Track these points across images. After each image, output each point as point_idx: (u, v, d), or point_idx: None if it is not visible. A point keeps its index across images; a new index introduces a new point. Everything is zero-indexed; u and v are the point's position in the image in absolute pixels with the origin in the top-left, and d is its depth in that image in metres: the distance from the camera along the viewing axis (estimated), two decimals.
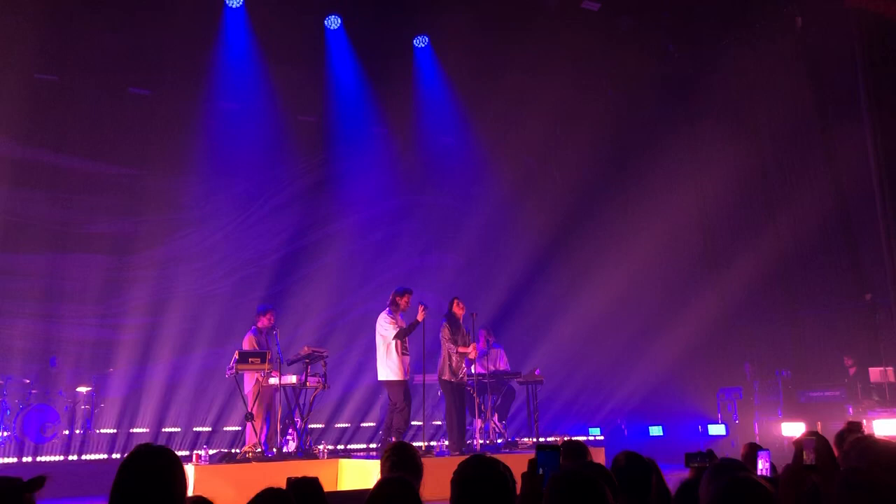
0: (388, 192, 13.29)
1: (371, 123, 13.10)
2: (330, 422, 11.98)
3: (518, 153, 13.67)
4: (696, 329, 12.41)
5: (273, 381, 8.25)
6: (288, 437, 8.36)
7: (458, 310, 9.09)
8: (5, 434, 9.24)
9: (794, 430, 10.17)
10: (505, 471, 2.65)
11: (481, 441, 9.23)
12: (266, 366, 8.07)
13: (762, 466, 3.55)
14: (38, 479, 2.30)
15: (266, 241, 12.41)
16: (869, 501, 2.27)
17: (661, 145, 13.10)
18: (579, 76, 12.68)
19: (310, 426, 9.15)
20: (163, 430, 10.83)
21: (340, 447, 11.18)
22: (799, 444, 2.91)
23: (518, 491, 2.68)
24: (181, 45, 11.05)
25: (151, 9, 10.66)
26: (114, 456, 9.77)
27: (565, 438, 8.29)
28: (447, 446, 8.83)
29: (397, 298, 8.77)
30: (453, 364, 8.90)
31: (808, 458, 2.77)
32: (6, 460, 8.78)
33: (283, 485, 2.97)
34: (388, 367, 8.55)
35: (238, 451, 8.49)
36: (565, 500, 2.29)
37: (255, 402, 8.34)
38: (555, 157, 13.62)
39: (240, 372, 8.15)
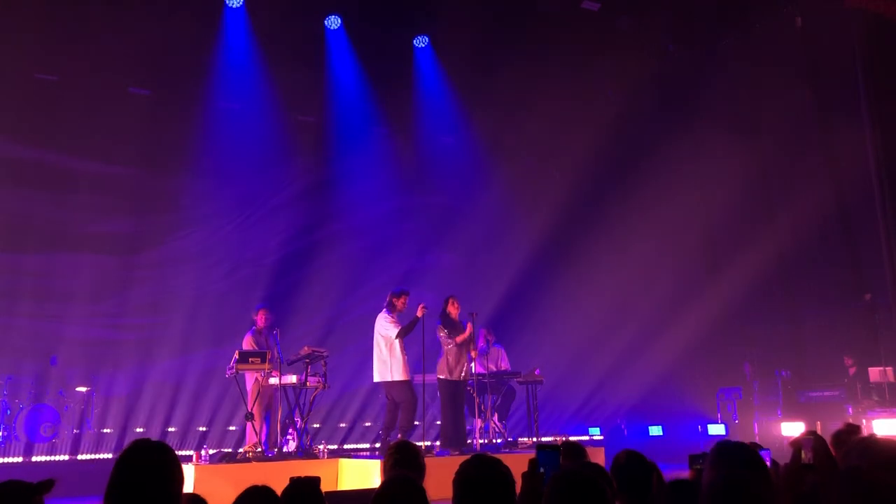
0: (388, 193, 13.29)
1: (371, 123, 13.10)
2: (330, 421, 11.98)
3: (518, 153, 13.67)
4: (695, 329, 12.41)
5: (273, 380, 8.25)
6: (288, 437, 8.37)
7: (453, 309, 9.08)
8: (5, 434, 9.24)
9: (793, 429, 10.18)
10: (506, 471, 2.65)
11: (481, 441, 9.23)
12: (266, 365, 8.08)
13: None
14: (46, 483, 2.33)
15: (266, 241, 12.41)
16: (870, 501, 2.27)
17: (661, 145, 13.10)
18: (579, 76, 12.67)
19: (310, 426, 9.15)
20: (162, 429, 10.83)
21: (339, 447, 11.19)
22: (797, 444, 2.91)
23: (517, 490, 2.69)
24: (181, 45, 11.04)
25: (151, 9, 10.65)
26: (114, 456, 9.77)
27: (562, 439, 8.30)
28: (440, 446, 8.84)
29: (394, 300, 8.76)
30: (451, 361, 8.89)
31: (806, 457, 2.78)
32: (6, 460, 8.78)
33: (284, 484, 2.98)
34: (393, 366, 8.54)
35: (238, 450, 8.50)
36: (565, 499, 2.30)
37: (255, 401, 8.34)
38: (554, 157, 13.62)
39: (240, 372, 8.16)
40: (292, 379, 8.26)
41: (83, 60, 10.79)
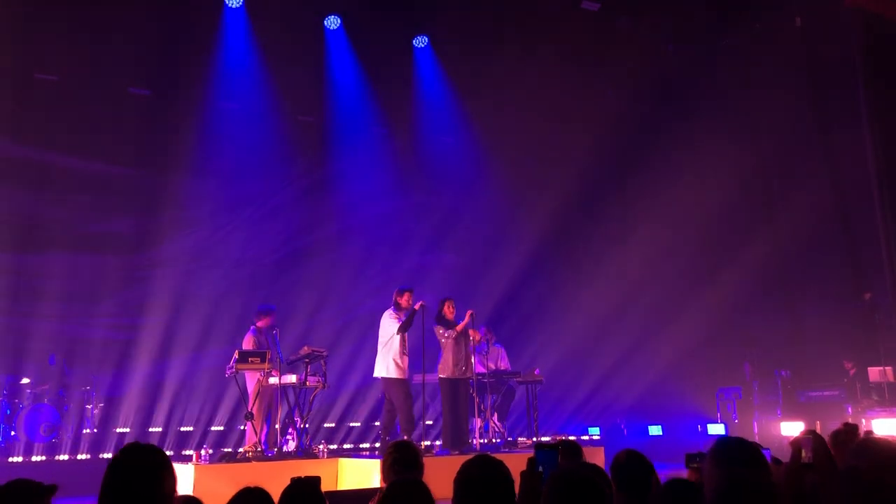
0: (388, 192, 13.28)
1: (371, 123, 13.09)
2: (330, 421, 11.98)
3: (517, 153, 13.67)
4: (695, 328, 12.41)
5: (273, 380, 8.26)
6: (288, 437, 8.37)
7: (449, 311, 9.09)
8: (4, 434, 9.24)
9: (793, 429, 10.18)
10: (507, 471, 2.66)
11: (480, 441, 9.23)
12: (266, 365, 8.08)
13: None
14: (52, 487, 2.35)
15: (266, 241, 12.40)
16: (870, 501, 2.28)
17: (661, 145, 13.11)
18: (579, 76, 12.67)
19: (309, 425, 9.16)
20: (162, 428, 10.83)
21: (339, 446, 11.19)
22: (797, 443, 2.92)
23: (517, 489, 2.69)
24: (181, 45, 11.04)
25: (151, 8, 10.65)
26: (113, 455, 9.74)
27: (559, 438, 8.30)
28: (440, 445, 8.84)
29: (398, 297, 8.83)
30: (451, 358, 8.88)
31: (805, 456, 2.79)
32: (6, 460, 8.78)
33: (284, 484, 2.98)
34: (390, 364, 8.59)
35: (238, 450, 8.50)
36: (564, 498, 2.30)
37: (254, 401, 8.34)
38: (554, 156, 13.61)
39: (239, 371, 8.16)
40: (292, 379, 8.27)
41: (83, 60, 10.79)
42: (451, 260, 13.60)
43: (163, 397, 11.01)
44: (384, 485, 3.31)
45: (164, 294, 11.27)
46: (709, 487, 2.56)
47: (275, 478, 3.04)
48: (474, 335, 9.12)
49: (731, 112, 12.95)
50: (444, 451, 8.63)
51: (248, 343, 8.63)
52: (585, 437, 12.50)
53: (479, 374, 9.34)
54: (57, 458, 9.16)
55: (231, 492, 2.83)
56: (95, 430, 10.01)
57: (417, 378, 8.93)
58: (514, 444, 9.72)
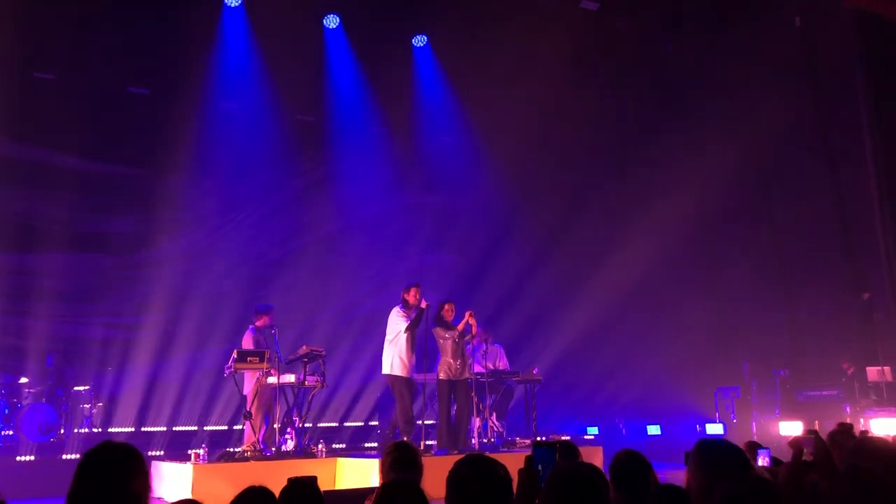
0: (387, 192, 13.28)
1: (370, 123, 13.08)
2: (328, 420, 11.97)
3: (517, 152, 13.66)
4: (694, 328, 12.42)
5: (272, 379, 8.25)
6: (286, 436, 8.36)
7: (448, 314, 9.09)
8: (3, 433, 9.23)
9: (791, 429, 10.18)
10: (501, 470, 2.65)
11: (480, 440, 9.22)
12: (264, 365, 8.08)
13: (762, 463, 3.57)
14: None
15: (265, 241, 12.39)
16: (871, 500, 2.28)
17: (660, 145, 13.11)
18: (578, 76, 12.68)
19: (308, 425, 9.15)
20: (161, 428, 10.82)
21: (338, 446, 11.18)
22: (798, 443, 2.92)
23: (514, 488, 2.69)
24: (180, 44, 11.03)
25: (150, 7, 10.64)
26: None
27: (554, 438, 8.28)
28: (436, 446, 8.86)
29: (404, 294, 8.87)
30: (449, 358, 8.87)
31: (806, 455, 2.79)
32: (3, 459, 8.77)
33: (282, 484, 2.98)
34: (392, 361, 8.62)
35: (236, 450, 8.49)
36: (563, 496, 2.30)
37: (253, 400, 8.34)
38: (553, 156, 13.61)
39: (238, 371, 8.15)
40: (291, 378, 8.26)
41: (82, 59, 10.78)
42: (450, 259, 13.60)
43: (161, 397, 11.01)
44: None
45: (164, 293, 11.26)
46: (694, 489, 2.56)
47: (273, 477, 3.03)
48: (473, 330, 9.09)
49: (729, 112, 12.94)
50: (442, 450, 8.62)
51: (247, 342, 8.63)
52: (584, 437, 12.50)
53: (477, 374, 9.34)
54: (57, 457, 9.13)
55: (229, 491, 2.83)
56: (94, 430, 9.99)
57: (419, 377, 8.93)
58: (513, 443, 9.72)
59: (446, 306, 9.12)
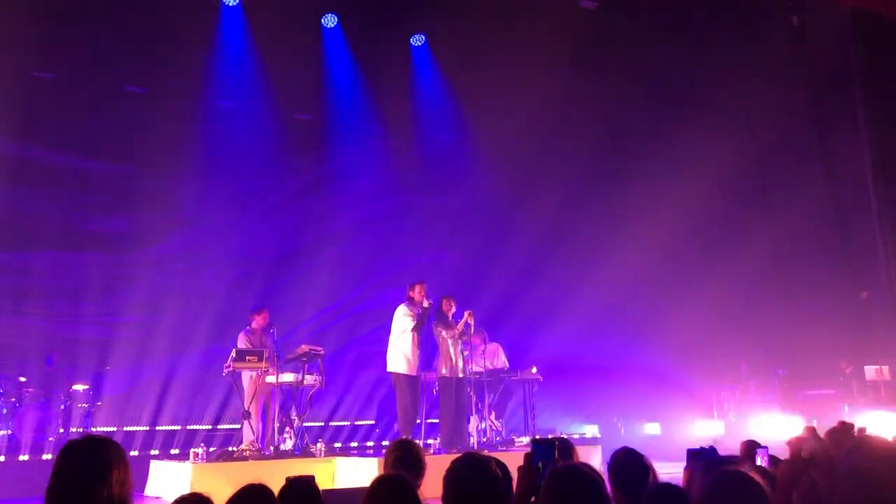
0: (385, 191, 13.27)
1: (368, 122, 13.07)
2: (327, 419, 11.97)
3: (515, 151, 13.66)
4: (692, 327, 12.43)
5: (270, 379, 8.24)
6: (285, 436, 8.36)
7: (447, 308, 9.09)
8: (1, 432, 9.22)
9: (790, 427, 10.20)
10: (498, 469, 2.65)
11: (478, 439, 9.22)
12: (263, 364, 8.07)
13: (761, 461, 3.57)
14: None
15: (262, 240, 12.38)
16: (870, 497, 2.28)
17: (658, 144, 13.11)
18: (576, 75, 12.67)
19: (306, 424, 9.15)
20: (159, 428, 10.81)
21: (337, 445, 11.18)
22: (796, 441, 2.92)
23: (514, 485, 2.69)
24: (178, 43, 11.01)
25: (148, 6, 10.62)
26: None
27: (551, 437, 8.28)
28: (440, 444, 8.85)
29: (409, 292, 8.85)
30: (449, 356, 8.87)
31: (805, 453, 2.80)
32: (1, 458, 8.76)
33: (280, 482, 2.98)
34: (396, 359, 8.61)
35: (235, 448, 8.49)
36: (563, 494, 2.30)
37: (252, 400, 8.33)
38: (552, 154, 13.61)
39: (236, 370, 8.15)
40: (289, 377, 8.26)
41: (80, 58, 10.76)
42: (449, 258, 13.59)
43: (160, 396, 10.99)
44: None
45: (162, 292, 11.25)
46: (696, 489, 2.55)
47: (272, 476, 3.02)
48: (472, 330, 9.08)
49: (727, 110, 12.96)
50: (442, 449, 8.62)
51: (241, 343, 8.61)
52: (583, 436, 12.50)
53: (476, 373, 9.34)
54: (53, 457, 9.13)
55: (228, 490, 2.82)
56: (92, 429, 9.98)
57: (422, 375, 8.94)
58: (512, 442, 9.72)
59: (445, 301, 9.12)
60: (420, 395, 8.81)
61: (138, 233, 11.41)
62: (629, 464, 3.12)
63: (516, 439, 9.94)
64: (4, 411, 9.35)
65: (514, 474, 2.76)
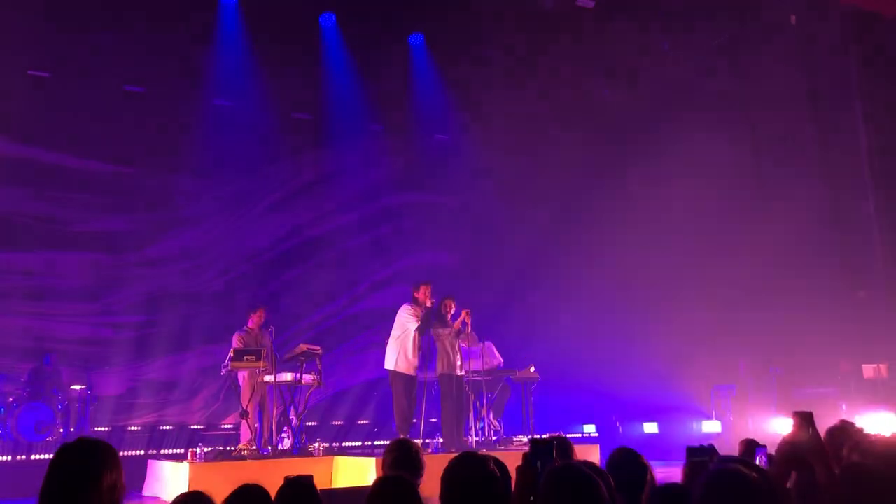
0: (383, 190, 13.26)
1: (366, 121, 13.05)
2: (325, 419, 11.96)
3: (513, 151, 13.66)
4: (690, 326, 12.42)
5: (268, 378, 8.24)
6: (283, 435, 8.35)
7: (445, 309, 9.08)
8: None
9: (788, 427, 10.20)
10: (495, 468, 2.64)
11: (476, 438, 9.23)
12: (261, 363, 8.07)
13: (759, 461, 3.57)
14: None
15: (260, 240, 12.36)
16: (870, 496, 2.28)
17: (656, 143, 13.11)
18: (574, 74, 12.67)
19: (305, 424, 9.14)
20: (158, 427, 10.80)
21: (332, 445, 11.17)
22: (792, 439, 2.92)
23: (513, 484, 2.68)
24: (175, 42, 11.00)
25: (145, 5, 10.61)
26: None
27: (548, 436, 8.29)
28: (442, 443, 8.84)
29: (414, 292, 8.83)
30: (447, 354, 8.87)
31: (790, 436, 2.81)
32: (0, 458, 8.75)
33: (278, 482, 2.97)
34: (395, 358, 8.59)
35: (233, 448, 8.48)
36: (562, 493, 2.30)
37: (249, 399, 8.33)
38: (550, 154, 13.61)
39: (234, 370, 8.14)
40: (287, 377, 8.25)
41: (77, 57, 10.74)
42: (447, 258, 13.58)
43: (158, 395, 10.98)
44: None
45: (160, 292, 11.25)
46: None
47: (270, 476, 3.03)
48: (468, 329, 9.07)
49: (725, 110, 12.96)
50: (439, 449, 8.61)
51: (235, 343, 8.60)
52: (581, 435, 12.51)
53: (474, 373, 9.34)
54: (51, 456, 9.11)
55: (226, 490, 2.82)
56: (90, 429, 9.96)
57: (420, 375, 8.93)
58: (510, 441, 9.72)
59: (445, 302, 9.10)
60: (418, 394, 8.80)
61: (136, 232, 11.40)
62: (627, 463, 3.12)
63: (515, 439, 9.94)
64: (3, 411, 9.34)
65: (513, 474, 2.75)
